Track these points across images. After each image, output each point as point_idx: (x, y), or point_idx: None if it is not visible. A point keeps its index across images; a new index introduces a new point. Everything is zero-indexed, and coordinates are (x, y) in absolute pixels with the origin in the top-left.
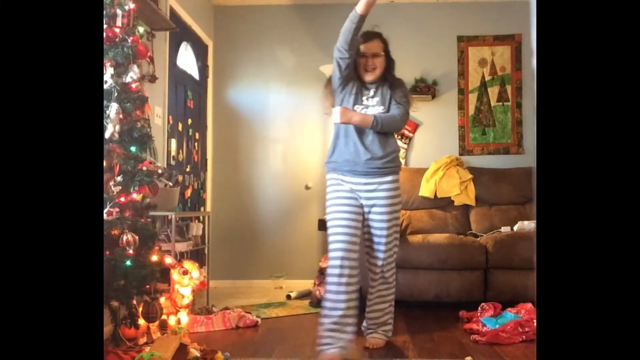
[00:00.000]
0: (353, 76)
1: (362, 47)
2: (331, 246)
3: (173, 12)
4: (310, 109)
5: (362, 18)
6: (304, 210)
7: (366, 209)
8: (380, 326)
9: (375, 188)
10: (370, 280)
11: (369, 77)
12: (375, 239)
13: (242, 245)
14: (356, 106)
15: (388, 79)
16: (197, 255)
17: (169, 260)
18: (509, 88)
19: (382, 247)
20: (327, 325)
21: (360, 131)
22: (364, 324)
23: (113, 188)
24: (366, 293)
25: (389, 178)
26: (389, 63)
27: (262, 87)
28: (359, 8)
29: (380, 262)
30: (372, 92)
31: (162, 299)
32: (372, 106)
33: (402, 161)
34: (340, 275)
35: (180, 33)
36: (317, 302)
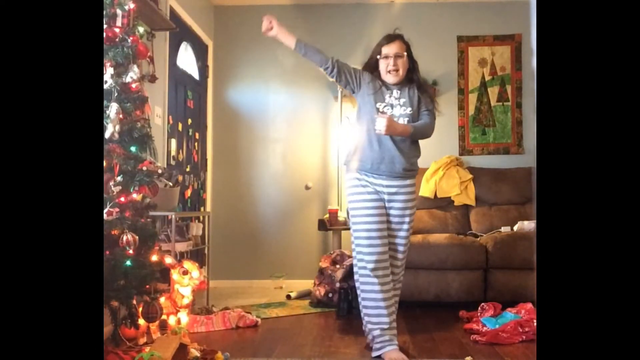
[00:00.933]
0: (372, 77)
1: (384, 49)
2: (365, 249)
3: (173, 12)
4: (310, 109)
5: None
6: (304, 210)
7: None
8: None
9: (396, 191)
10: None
11: (391, 79)
12: (394, 241)
13: (242, 245)
14: (378, 104)
15: (414, 80)
16: (197, 255)
17: (169, 260)
18: (509, 88)
19: (401, 248)
20: (378, 330)
21: (395, 137)
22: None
23: (113, 188)
24: None
25: (409, 182)
26: (413, 65)
27: (262, 87)
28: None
29: (398, 263)
30: (396, 93)
31: (162, 299)
32: (399, 106)
33: None
34: (383, 276)
35: (180, 33)
36: (317, 302)
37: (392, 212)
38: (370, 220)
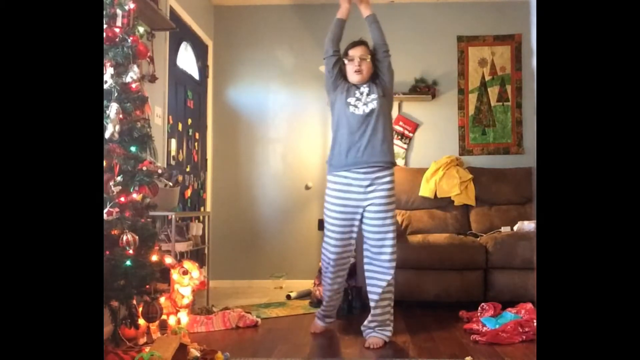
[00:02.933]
0: (344, 79)
1: (350, 52)
2: (329, 247)
3: (173, 12)
4: (310, 109)
5: (343, 22)
6: (304, 210)
7: (365, 206)
8: (379, 325)
9: (374, 186)
10: (373, 278)
11: (356, 78)
12: (372, 236)
13: (242, 245)
14: (349, 99)
15: (379, 83)
16: (197, 255)
17: (169, 260)
18: (509, 88)
19: (388, 243)
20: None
21: (356, 129)
22: (365, 323)
23: (113, 188)
24: (366, 292)
25: (387, 172)
26: (378, 71)
27: (262, 87)
28: (340, 14)
29: (386, 257)
30: (365, 90)
31: (162, 299)
32: (366, 96)
33: (402, 161)
34: (338, 271)
35: (180, 33)
36: (317, 302)
37: (370, 208)
38: (336, 224)
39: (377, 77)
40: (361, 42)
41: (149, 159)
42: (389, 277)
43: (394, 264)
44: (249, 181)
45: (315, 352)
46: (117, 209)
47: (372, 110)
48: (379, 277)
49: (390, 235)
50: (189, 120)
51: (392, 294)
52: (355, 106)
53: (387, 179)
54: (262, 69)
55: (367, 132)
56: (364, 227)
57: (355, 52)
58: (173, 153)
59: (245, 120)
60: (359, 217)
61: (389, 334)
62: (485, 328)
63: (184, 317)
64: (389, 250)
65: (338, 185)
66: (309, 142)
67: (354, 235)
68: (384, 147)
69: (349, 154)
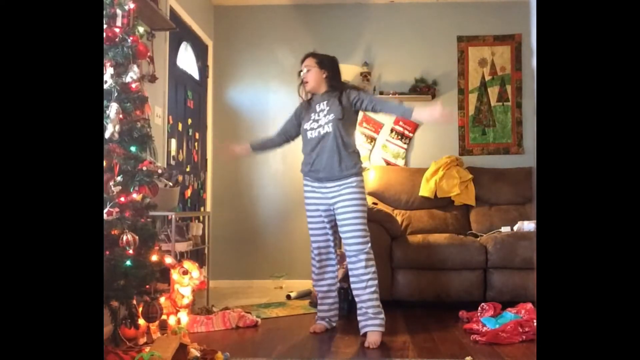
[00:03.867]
0: (300, 106)
1: (301, 68)
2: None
3: (173, 12)
4: None
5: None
6: (303, 210)
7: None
8: (370, 320)
9: (337, 192)
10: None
11: (304, 90)
12: (344, 235)
13: (242, 245)
14: (305, 125)
15: (335, 87)
16: (197, 255)
17: (169, 260)
18: (509, 88)
19: (350, 241)
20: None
21: (312, 150)
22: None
23: (113, 188)
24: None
25: (350, 180)
26: (329, 74)
27: (262, 87)
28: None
29: (351, 254)
30: (320, 106)
31: (162, 299)
32: (324, 116)
33: (402, 161)
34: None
35: (180, 33)
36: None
37: (339, 210)
38: (310, 221)
39: (342, 95)
40: (308, 55)
41: (149, 159)
42: (361, 268)
43: (365, 255)
44: (249, 181)
45: (315, 352)
46: (117, 209)
47: (326, 133)
48: (354, 273)
49: (359, 233)
50: (189, 120)
51: (373, 284)
52: (312, 129)
53: (353, 185)
54: (262, 69)
55: (323, 153)
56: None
57: (303, 66)
58: (173, 153)
59: (245, 120)
60: (331, 216)
61: (381, 321)
62: (485, 328)
63: (184, 317)
64: (359, 247)
65: (307, 187)
66: None
67: (329, 233)
68: (343, 164)
69: (311, 168)
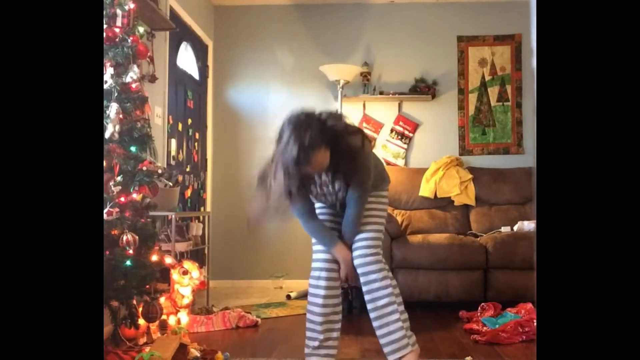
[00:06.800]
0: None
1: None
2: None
3: (173, 12)
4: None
5: None
6: None
7: None
8: (394, 343)
9: None
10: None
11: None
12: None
13: (242, 245)
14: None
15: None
16: (197, 255)
17: (169, 260)
18: (509, 88)
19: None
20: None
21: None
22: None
23: (113, 188)
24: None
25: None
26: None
27: (262, 87)
28: None
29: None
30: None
31: (162, 299)
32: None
33: (402, 161)
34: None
35: (180, 33)
36: None
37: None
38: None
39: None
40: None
41: (149, 159)
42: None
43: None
44: (249, 181)
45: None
46: (117, 209)
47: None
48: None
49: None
50: (189, 120)
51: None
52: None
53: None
54: (262, 69)
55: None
56: None
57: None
58: (173, 153)
59: (245, 120)
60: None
61: (412, 344)
62: (485, 328)
63: (184, 317)
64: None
65: None
66: None
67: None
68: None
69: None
